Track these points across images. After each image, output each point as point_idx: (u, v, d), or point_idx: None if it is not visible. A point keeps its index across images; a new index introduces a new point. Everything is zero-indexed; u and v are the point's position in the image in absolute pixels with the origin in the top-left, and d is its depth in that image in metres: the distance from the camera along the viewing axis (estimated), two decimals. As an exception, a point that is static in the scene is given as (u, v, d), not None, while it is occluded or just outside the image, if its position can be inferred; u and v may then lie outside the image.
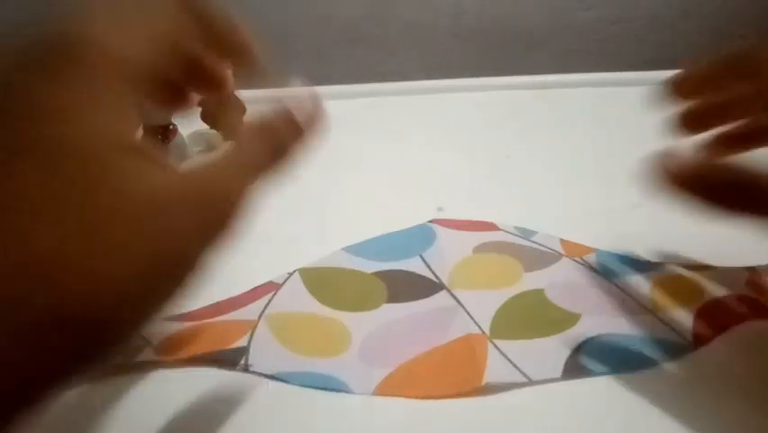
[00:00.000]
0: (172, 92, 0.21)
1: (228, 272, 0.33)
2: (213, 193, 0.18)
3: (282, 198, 0.40)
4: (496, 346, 0.29)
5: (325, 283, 0.33)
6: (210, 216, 0.17)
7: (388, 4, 0.82)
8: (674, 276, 0.33)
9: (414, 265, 0.34)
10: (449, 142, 0.49)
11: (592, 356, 0.28)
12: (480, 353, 0.28)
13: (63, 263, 0.14)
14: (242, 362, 0.28)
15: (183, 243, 0.16)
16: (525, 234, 0.37)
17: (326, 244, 0.35)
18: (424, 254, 0.35)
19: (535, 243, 0.36)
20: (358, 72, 0.84)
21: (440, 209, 0.39)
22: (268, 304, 0.32)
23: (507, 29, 0.84)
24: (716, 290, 0.32)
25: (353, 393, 0.27)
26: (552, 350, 0.28)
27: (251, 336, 0.29)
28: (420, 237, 0.36)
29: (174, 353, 0.28)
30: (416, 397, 0.27)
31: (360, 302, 0.31)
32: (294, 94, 0.21)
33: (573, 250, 0.35)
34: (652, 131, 0.50)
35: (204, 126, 0.49)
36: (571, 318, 0.30)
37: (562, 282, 0.32)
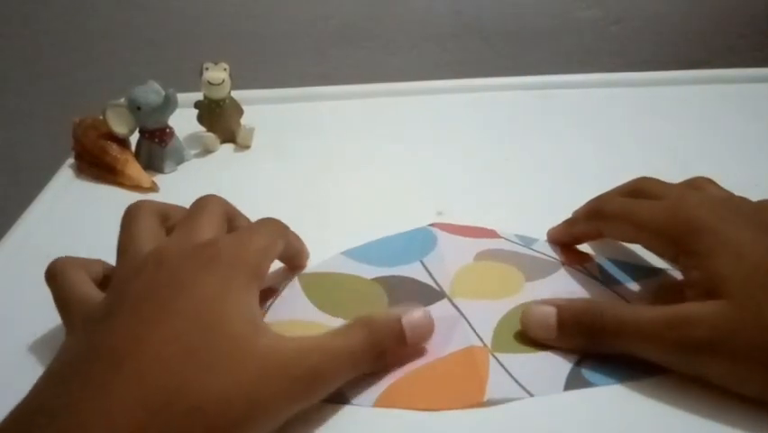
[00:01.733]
0: None
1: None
2: (310, 374, 0.24)
3: (280, 202, 0.40)
4: (497, 360, 0.28)
5: (324, 289, 0.33)
6: (300, 389, 0.24)
7: (388, 4, 0.82)
8: (676, 283, 0.33)
9: (414, 271, 0.34)
10: (448, 143, 0.49)
11: (594, 368, 0.28)
12: (481, 366, 0.28)
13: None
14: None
15: (272, 396, 0.22)
16: (526, 241, 0.36)
17: (326, 247, 0.35)
18: (424, 260, 0.34)
19: (536, 251, 0.35)
20: (358, 72, 0.84)
21: (439, 213, 0.39)
22: (266, 310, 0.31)
23: (507, 29, 0.84)
24: None
25: (353, 405, 0.26)
26: (554, 364, 0.28)
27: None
28: (420, 241, 0.36)
29: None
30: (417, 409, 0.26)
31: (359, 309, 0.31)
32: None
33: (574, 258, 0.35)
34: (652, 131, 0.51)
35: (200, 128, 0.49)
36: None
37: (563, 291, 0.32)
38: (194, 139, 0.48)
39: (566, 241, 0.35)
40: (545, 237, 0.36)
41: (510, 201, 0.41)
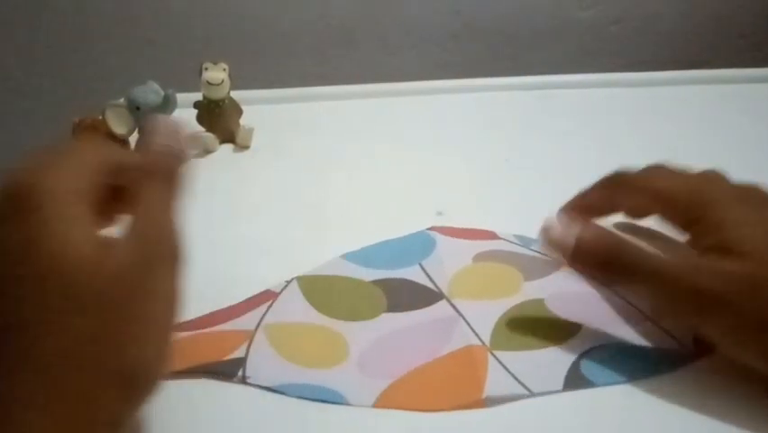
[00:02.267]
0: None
1: (226, 281, 0.33)
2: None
3: (279, 203, 0.40)
4: (496, 358, 0.28)
5: (323, 292, 0.33)
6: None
7: (388, 4, 0.82)
8: None
9: (413, 274, 0.34)
10: (448, 143, 0.49)
11: (593, 367, 0.28)
12: (480, 365, 0.28)
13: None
14: (240, 373, 0.28)
15: None
16: (525, 242, 0.36)
17: (325, 250, 0.35)
18: (423, 263, 0.34)
19: (535, 251, 0.35)
20: (357, 72, 0.84)
21: (439, 213, 0.39)
22: (265, 313, 0.31)
23: (507, 29, 0.84)
24: None
25: (352, 405, 0.26)
26: (553, 361, 0.28)
27: (249, 346, 0.29)
28: (419, 245, 0.36)
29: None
30: (416, 409, 0.26)
31: (358, 311, 0.31)
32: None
33: None
34: (652, 131, 0.50)
35: (199, 129, 0.48)
36: (571, 328, 0.30)
37: (562, 291, 0.32)
38: (192, 139, 0.48)
39: (576, 211, 0.34)
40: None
41: (510, 201, 0.41)
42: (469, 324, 0.30)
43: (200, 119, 0.48)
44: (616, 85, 0.57)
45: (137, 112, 0.43)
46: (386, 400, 0.27)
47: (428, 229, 0.37)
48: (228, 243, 0.37)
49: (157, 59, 0.81)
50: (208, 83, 0.46)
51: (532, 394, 0.27)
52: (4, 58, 0.81)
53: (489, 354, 0.28)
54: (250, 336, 0.30)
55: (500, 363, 0.28)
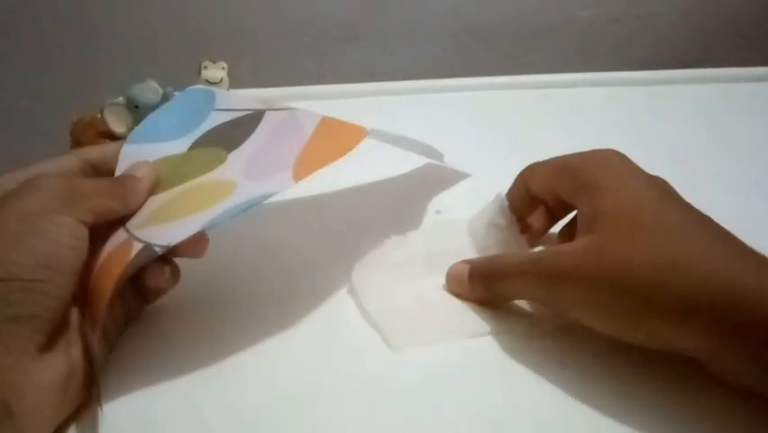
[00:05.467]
0: None
1: (225, 280, 0.33)
2: None
3: (279, 199, 0.40)
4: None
5: (163, 177, 0.31)
6: None
7: (388, 3, 0.82)
8: None
9: (217, 118, 0.34)
10: (447, 141, 0.49)
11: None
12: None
13: None
14: (156, 249, 0.26)
15: None
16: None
17: (325, 246, 0.35)
18: (216, 107, 0.34)
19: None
20: (357, 72, 0.84)
21: (438, 212, 0.39)
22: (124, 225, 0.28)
23: (506, 29, 0.84)
24: None
25: (278, 192, 0.27)
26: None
27: (138, 239, 0.27)
28: (199, 103, 0.35)
29: (96, 312, 0.25)
30: (335, 159, 0.29)
31: (207, 165, 0.31)
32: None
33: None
34: (651, 130, 0.50)
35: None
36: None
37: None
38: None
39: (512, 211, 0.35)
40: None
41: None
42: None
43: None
44: (615, 84, 0.57)
45: (136, 110, 0.43)
46: (302, 171, 0.28)
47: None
48: (228, 242, 0.37)
49: (155, 57, 0.81)
50: (207, 81, 0.46)
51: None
52: (4, 57, 0.81)
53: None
54: (131, 237, 0.27)
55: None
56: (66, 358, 0.25)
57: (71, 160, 0.30)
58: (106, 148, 0.32)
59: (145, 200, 0.30)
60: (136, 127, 0.34)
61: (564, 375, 0.27)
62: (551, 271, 0.27)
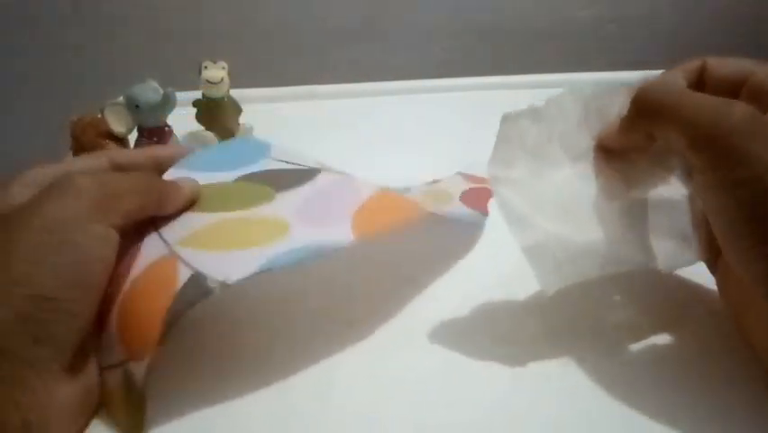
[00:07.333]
0: None
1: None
2: None
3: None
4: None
5: (207, 197, 0.30)
6: None
7: (388, 3, 0.82)
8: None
9: (271, 164, 0.33)
10: (448, 141, 0.49)
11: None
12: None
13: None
14: (208, 285, 0.24)
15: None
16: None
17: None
18: (273, 155, 0.34)
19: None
20: (357, 71, 0.84)
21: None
22: (163, 233, 0.27)
23: (506, 28, 0.84)
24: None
25: (338, 248, 0.26)
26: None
27: (183, 263, 0.25)
28: (251, 148, 0.35)
29: (142, 343, 0.24)
30: (397, 223, 0.29)
31: (252, 198, 0.29)
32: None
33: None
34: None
35: (199, 127, 0.48)
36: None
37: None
38: (192, 137, 0.48)
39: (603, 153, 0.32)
40: None
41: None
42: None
43: (199, 118, 0.48)
44: (614, 84, 0.57)
45: (136, 110, 0.43)
46: (361, 228, 0.27)
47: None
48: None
49: (155, 57, 0.81)
50: (208, 81, 0.46)
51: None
52: (4, 58, 0.81)
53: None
54: (174, 255, 0.25)
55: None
56: (86, 375, 0.24)
57: (101, 161, 0.30)
58: (133, 153, 0.32)
59: (183, 207, 0.28)
60: (183, 158, 0.32)
61: (573, 375, 0.27)
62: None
